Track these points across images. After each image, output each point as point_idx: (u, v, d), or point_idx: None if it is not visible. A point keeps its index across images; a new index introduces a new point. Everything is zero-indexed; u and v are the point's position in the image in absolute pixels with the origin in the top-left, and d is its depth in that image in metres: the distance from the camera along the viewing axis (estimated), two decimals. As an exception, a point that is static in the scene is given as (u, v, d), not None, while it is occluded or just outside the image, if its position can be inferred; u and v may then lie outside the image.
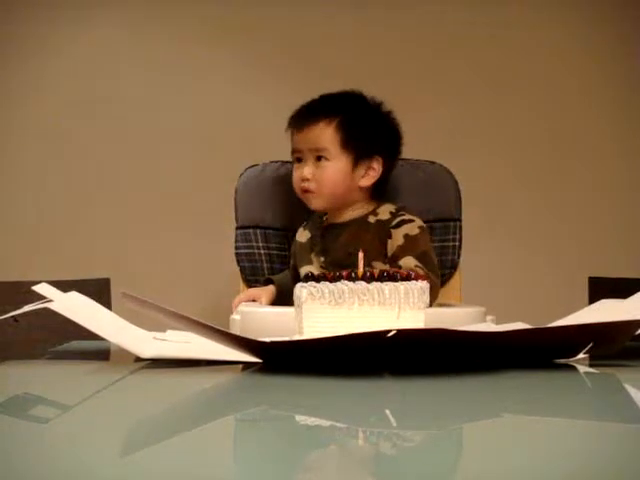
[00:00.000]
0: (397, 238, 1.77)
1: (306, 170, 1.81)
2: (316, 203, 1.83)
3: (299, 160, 1.83)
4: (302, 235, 1.90)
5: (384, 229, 1.80)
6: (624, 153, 2.91)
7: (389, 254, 1.77)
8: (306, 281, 1.16)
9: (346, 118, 1.82)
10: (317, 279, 1.15)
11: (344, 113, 1.83)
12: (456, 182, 2.01)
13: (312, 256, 1.85)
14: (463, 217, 2.00)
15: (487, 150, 2.89)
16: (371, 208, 1.85)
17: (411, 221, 1.80)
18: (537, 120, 2.90)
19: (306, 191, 1.82)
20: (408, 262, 1.72)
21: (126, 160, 2.83)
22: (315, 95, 1.91)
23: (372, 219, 1.83)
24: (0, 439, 0.79)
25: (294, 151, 1.85)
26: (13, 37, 2.81)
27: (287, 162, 2.02)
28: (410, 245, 1.76)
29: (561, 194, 2.91)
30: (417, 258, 1.73)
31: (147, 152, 2.84)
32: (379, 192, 1.88)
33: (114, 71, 2.85)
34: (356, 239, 1.79)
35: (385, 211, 1.83)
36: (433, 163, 2.03)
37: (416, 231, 1.78)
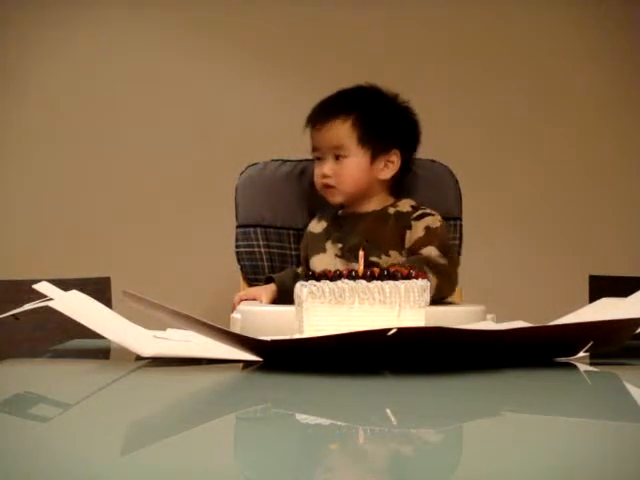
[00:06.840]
0: (417, 230, 1.80)
1: (326, 167, 1.84)
2: (336, 198, 1.87)
3: (319, 157, 1.86)
4: (316, 226, 1.92)
5: (404, 220, 1.82)
6: (625, 151, 2.91)
7: (407, 245, 1.79)
8: (307, 280, 1.16)
9: (362, 114, 1.84)
10: (317, 278, 1.15)
11: (360, 109, 1.85)
12: (456, 181, 2.01)
13: (327, 244, 1.87)
14: (463, 216, 2.00)
15: (487, 149, 2.89)
16: (391, 201, 1.88)
17: (432, 215, 1.83)
18: (537, 119, 2.90)
19: (327, 186, 1.85)
20: (429, 252, 1.74)
21: (126, 159, 2.83)
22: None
23: (391, 210, 1.85)
24: (0, 438, 0.79)
25: (314, 149, 1.87)
26: (11, 37, 2.80)
27: (288, 160, 2.03)
28: (431, 237, 1.78)
29: (562, 192, 2.91)
30: (438, 248, 1.75)
31: (147, 151, 2.84)
32: (398, 187, 1.91)
33: (113, 69, 2.85)
34: (374, 228, 1.83)
35: (405, 204, 1.86)
36: (433, 162, 2.03)
37: (437, 224, 1.81)
